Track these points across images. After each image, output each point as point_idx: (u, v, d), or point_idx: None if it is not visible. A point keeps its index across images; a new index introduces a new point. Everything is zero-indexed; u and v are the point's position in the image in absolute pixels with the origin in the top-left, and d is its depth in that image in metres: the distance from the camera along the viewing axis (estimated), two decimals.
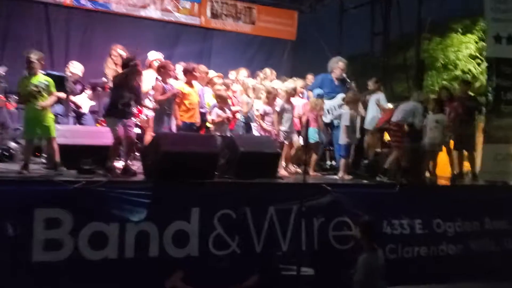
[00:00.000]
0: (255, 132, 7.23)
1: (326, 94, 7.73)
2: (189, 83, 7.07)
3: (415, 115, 7.20)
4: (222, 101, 6.96)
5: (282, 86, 7.52)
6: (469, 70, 15.35)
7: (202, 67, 7.76)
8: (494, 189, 7.48)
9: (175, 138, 5.98)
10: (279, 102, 7.25)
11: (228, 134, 6.85)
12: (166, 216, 5.31)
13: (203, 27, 11.06)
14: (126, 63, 5.88)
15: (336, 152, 7.93)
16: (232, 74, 8.38)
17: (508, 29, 7.29)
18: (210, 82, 7.80)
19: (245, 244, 5.64)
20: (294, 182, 6.50)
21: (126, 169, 5.83)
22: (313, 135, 7.43)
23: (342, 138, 7.41)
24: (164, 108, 6.55)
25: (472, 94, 8.65)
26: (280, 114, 7.17)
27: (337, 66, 8.09)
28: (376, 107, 8.12)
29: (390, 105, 8.41)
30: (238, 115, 7.45)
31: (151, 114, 6.91)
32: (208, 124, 7.36)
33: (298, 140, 7.48)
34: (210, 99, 7.56)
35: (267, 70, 8.58)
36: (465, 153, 8.27)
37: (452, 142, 8.04)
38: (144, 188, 5.31)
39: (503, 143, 7.36)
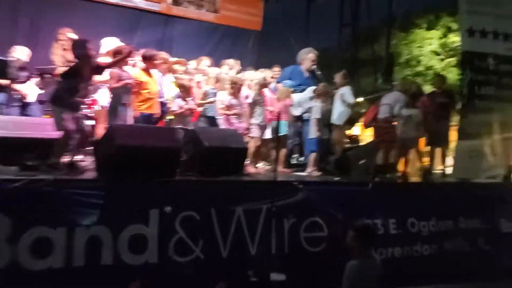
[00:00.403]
0: (220, 125, 6.72)
1: (296, 87, 7.29)
2: (148, 71, 6.45)
3: (399, 105, 6.86)
4: (184, 90, 6.38)
5: (253, 76, 6.99)
6: (432, 66, 15.40)
7: (163, 54, 7.14)
8: (467, 187, 7.26)
9: (131, 131, 5.36)
10: (250, 94, 6.74)
11: (191, 127, 6.28)
12: (121, 219, 4.72)
13: (164, 13, 10.39)
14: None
15: (306, 147, 7.50)
16: (191, 64, 7.77)
17: (482, 23, 7.05)
18: (171, 70, 7.18)
19: (210, 248, 5.12)
20: (264, 180, 6.02)
21: (73, 166, 5.18)
22: (282, 128, 6.97)
23: (312, 132, 7.00)
24: (119, 98, 5.90)
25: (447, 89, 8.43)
26: (252, 106, 6.67)
27: (307, 57, 7.68)
28: (342, 102, 7.76)
29: (359, 99, 8.06)
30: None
31: (105, 104, 6.25)
32: (168, 116, 6.77)
33: (264, 134, 6.99)
34: (171, 89, 6.95)
35: (232, 60, 8.06)
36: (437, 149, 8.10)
37: (423, 139, 7.78)
38: (96, 187, 4.70)
39: (477, 139, 7.12)
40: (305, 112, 7.40)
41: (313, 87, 7.36)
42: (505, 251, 7.32)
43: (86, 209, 4.58)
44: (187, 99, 6.42)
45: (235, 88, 6.73)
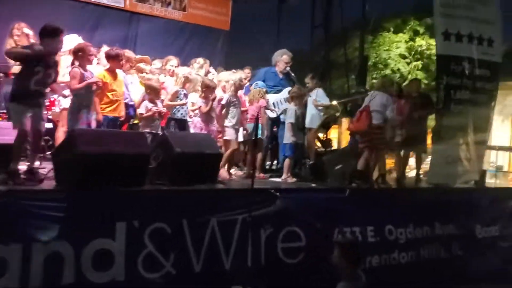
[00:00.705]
0: (192, 129, 6.34)
1: (270, 88, 6.99)
2: (112, 71, 5.99)
3: (390, 108, 6.62)
4: (152, 92, 5.96)
5: (228, 77, 6.63)
6: (399, 69, 15.45)
7: (129, 53, 6.69)
8: (442, 192, 7.15)
9: (95, 136, 4.90)
10: (225, 96, 6.39)
11: (160, 131, 5.87)
12: (84, 233, 4.27)
13: (128, 10, 9.90)
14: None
15: (280, 152, 7.21)
16: (155, 64, 7.33)
17: (457, 26, 6.93)
18: (137, 69, 6.73)
19: (182, 263, 4.75)
20: (240, 188, 5.68)
21: (31, 173, 4.70)
22: (258, 131, 6.66)
23: (286, 137, 6.72)
24: (82, 99, 5.43)
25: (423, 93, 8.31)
26: (226, 108, 6.32)
27: (281, 59, 7.40)
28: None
29: (334, 102, 7.84)
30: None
31: (65, 105, 5.76)
32: (135, 120, 6.34)
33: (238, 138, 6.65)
34: (137, 90, 6.51)
35: (201, 60, 7.67)
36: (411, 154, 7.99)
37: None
38: (56, 198, 4.23)
39: (453, 144, 7.00)
40: (280, 114, 7.10)
41: (289, 88, 7.08)
42: (479, 256, 7.28)
43: (44, 223, 4.12)
44: (156, 101, 5.99)
45: (208, 91, 6.36)
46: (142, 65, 6.74)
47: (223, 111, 6.34)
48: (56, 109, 6.12)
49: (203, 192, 5.14)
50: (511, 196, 7.91)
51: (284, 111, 6.94)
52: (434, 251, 6.78)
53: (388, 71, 15.01)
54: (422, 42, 14.88)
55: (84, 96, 5.46)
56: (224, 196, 5.25)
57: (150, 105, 5.90)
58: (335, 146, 11.22)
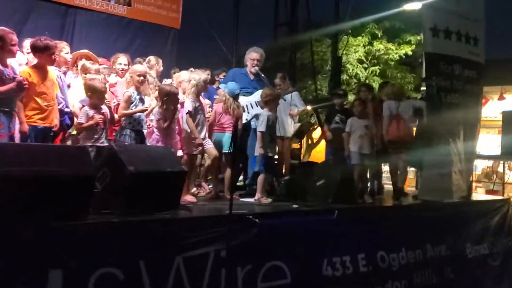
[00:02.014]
0: (148, 141, 5.14)
1: (241, 91, 5.93)
2: (41, 68, 4.69)
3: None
4: (95, 95, 4.69)
5: (190, 78, 5.46)
6: (357, 74, 14.85)
7: (62, 44, 5.40)
8: (432, 209, 6.34)
9: (19, 152, 3.61)
10: (187, 101, 5.24)
11: (107, 144, 4.63)
12: (6, 284, 3.11)
13: (62, 3, 8.54)
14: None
15: (250, 165, 6.15)
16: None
17: (446, 21, 6.18)
18: (82, 69, 5.42)
19: None
20: (210, 215, 4.55)
21: None
22: (227, 142, 5.57)
23: (257, 148, 5.66)
24: (1, 104, 4.11)
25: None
26: (193, 115, 5.18)
27: (248, 57, 6.35)
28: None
29: (308, 107, 6.89)
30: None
31: None
32: (73, 131, 5.09)
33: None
34: (77, 92, 5.24)
35: (152, 58, 6.49)
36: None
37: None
38: None
39: (446, 154, 6.21)
40: (251, 119, 6.03)
41: (261, 91, 6.04)
42: (470, 278, 6.57)
43: None
44: (101, 106, 4.74)
45: (169, 101, 5.19)
46: (87, 63, 5.43)
47: (187, 120, 5.19)
48: None
49: (165, 222, 3.98)
50: (496, 209, 7.27)
51: (256, 117, 5.89)
52: (427, 276, 5.97)
53: (345, 76, 14.33)
54: (380, 46, 14.37)
55: (4, 101, 4.15)
56: (191, 226, 4.09)
57: (91, 112, 4.64)
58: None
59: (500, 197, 8.21)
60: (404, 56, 14.79)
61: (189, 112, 5.16)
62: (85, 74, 5.21)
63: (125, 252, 3.64)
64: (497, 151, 12.33)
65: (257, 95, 6.07)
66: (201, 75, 5.37)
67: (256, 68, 6.31)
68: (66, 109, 5.13)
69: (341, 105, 6.72)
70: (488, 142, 13.07)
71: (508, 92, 15.35)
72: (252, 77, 6.33)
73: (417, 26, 14.40)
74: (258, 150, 5.63)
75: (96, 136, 4.58)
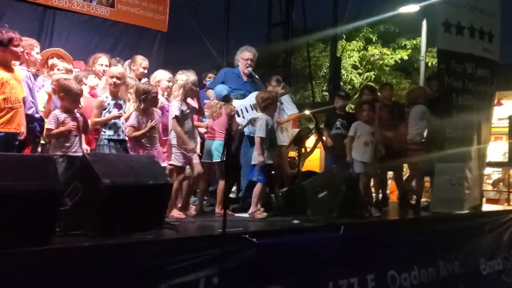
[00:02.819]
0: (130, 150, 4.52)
1: (231, 91, 5.34)
2: (4, 65, 4.07)
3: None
4: (70, 97, 4.06)
5: (177, 78, 4.86)
6: (351, 80, 14.37)
7: (34, 43, 4.79)
8: (444, 222, 5.79)
9: None
10: (174, 105, 4.63)
11: (79, 154, 4.00)
12: None
13: (40, 4, 7.94)
14: None
15: (243, 176, 5.56)
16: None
17: (457, 15, 5.66)
18: (51, 68, 4.80)
19: None
20: (201, 235, 3.93)
21: None
22: (217, 151, 4.98)
23: (255, 156, 5.07)
24: None
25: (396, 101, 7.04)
26: (180, 120, 4.58)
27: (240, 57, 5.78)
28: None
29: (306, 112, 6.33)
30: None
31: None
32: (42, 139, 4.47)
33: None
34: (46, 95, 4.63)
35: (138, 58, 5.89)
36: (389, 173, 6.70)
37: None
38: None
39: (459, 161, 5.67)
40: (246, 125, 5.45)
41: (256, 93, 5.46)
42: None
43: None
44: (75, 110, 4.11)
45: (148, 102, 4.62)
46: (56, 60, 4.81)
47: (175, 126, 4.60)
48: None
49: (147, 244, 3.37)
50: (509, 221, 6.74)
51: (251, 122, 5.31)
52: None
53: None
54: (375, 51, 13.91)
55: None
56: (178, 249, 3.49)
57: (62, 116, 4.01)
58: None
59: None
60: (399, 61, 14.34)
61: (176, 117, 4.57)
62: (52, 71, 4.60)
63: (99, 282, 3.04)
64: (499, 159, 11.88)
65: (251, 98, 5.49)
66: (190, 76, 4.78)
67: (250, 69, 5.74)
68: (36, 115, 4.50)
69: (342, 109, 6.17)
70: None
71: (505, 98, 14.93)
72: (245, 78, 5.76)
73: (413, 30, 14.00)
74: (256, 158, 5.04)
75: (67, 145, 3.94)
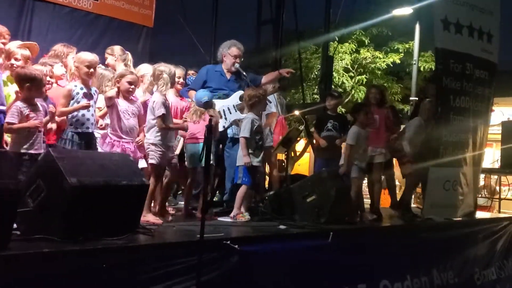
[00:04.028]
0: (101, 147, 4.18)
1: (213, 91, 5.03)
2: None
3: None
4: (33, 86, 3.68)
5: (156, 70, 4.53)
6: (343, 83, 14.10)
7: (4, 31, 4.41)
8: (438, 228, 5.54)
9: None
10: (158, 102, 4.31)
11: (42, 150, 3.63)
12: None
13: None
14: None
15: (227, 178, 5.24)
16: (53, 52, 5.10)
17: (456, 12, 5.41)
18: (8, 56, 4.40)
19: None
20: (178, 241, 3.60)
21: None
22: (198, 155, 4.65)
23: (239, 157, 4.76)
24: None
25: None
26: (162, 118, 4.27)
27: (228, 52, 5.45)
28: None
29: (296, 112, 6.03)
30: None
31: None
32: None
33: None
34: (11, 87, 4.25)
35: (117, 48, 5.54)
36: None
37: None
38: None
39: (453, 166, 5.41)
40: (229, 127, 5.13)
41: (240, 93, 5.14)
42: None
43: None
44: (38, 102, 3.74)
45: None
46: (12, 46, 4.38)
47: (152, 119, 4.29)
48: None
49: (117, 251, 3.04)
50: (502, 228, 6.51)
51: (235, 122, 5.00)
52: None
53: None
54: (367, 54, 13.65)
55: None
56: (152, 256, 3.16)
57: (26, 109, 3.64)
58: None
59: (506, 215, 7.44)
60: (391, 65, 14.11)
61: (162, 116, 4.27)
62: (9, 61, 4.21)
63: None
64: (488, 166, 11.68)
65: (235, 98, 5.16)
66: (170, 68, 4.46)
67: (237, 65, 5.40)
68: (1, 107, 4.14)
69: (334, 109, 5.89)
70: None
71: (496, 104, 14.78)
72: (228, 76, 5.41)
73: (406, 33, 13.79)
74: (242, 159, 4.73)
75: (31, 141, 3.57)
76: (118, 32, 8.55)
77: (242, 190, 4.70)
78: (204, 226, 3.13)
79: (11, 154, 2.95)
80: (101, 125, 4.48)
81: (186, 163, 4.92)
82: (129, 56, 5.53)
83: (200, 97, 4.78)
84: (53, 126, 4.09)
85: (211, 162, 4.26)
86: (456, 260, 5.54)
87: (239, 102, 5.05)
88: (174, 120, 4.66)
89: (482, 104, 5.80)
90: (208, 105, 4.77)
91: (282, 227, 4.40)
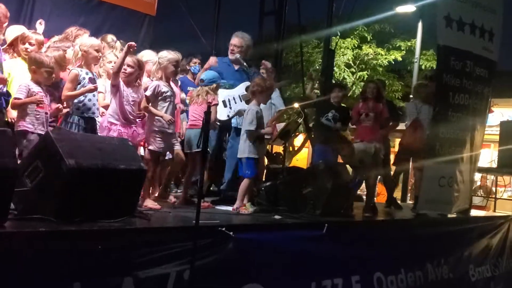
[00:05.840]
0: (100, 131, 4.20)
1: (221, 82, 5.04)
2: None
3: None
4: (42, 70, 3.71)
5: (162, 56, 4.55)
6: (344, 78, 14.11)
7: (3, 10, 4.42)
8: (433, 224, 5.58)
9: None
10: (151, 85, 4.33)
11: (42, 131, 3.66)
12: None
13: None
14: None
15: (227, 169, 5.26)
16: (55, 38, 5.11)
17: (459, 10, 5.41)
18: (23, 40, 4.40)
19: None
20: (173, 226, 3.64)
21: None
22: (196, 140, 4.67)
23: (242, 149, 4.76)
24: None
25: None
26: (158, 101, 4.29)
27: (230, 43, 5.46)
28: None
29: (295, 105, 6.04)
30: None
31: None
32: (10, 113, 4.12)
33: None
34: (15, 67, 4.27)
35: (111, 36, 5.54)
36: None
37: None
38: None
39: (450, 163, 5.43)
40: (233, 116, 5.15)
41: (247, 83, 5.15)
42: None
43: None
44: (40, 81, 3.76)
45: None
46: (27, 31, 4.42)
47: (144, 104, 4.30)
48: None
49: (112, 233, 3.07)
50: (498, 227, 6.55)
51: (239, 113, 5.02)
52: None
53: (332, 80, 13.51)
54: (369, 50, 13.66)
55: None
56: (147, 240, 3.19)
57: (35, 87, 3.66)
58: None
59: (502, 214, 7.48)
60: (393, 62, 14.12)
61: (146, 97, 4.27)
62: (24, 45, 4.25)
63: (60, 271, 2.73)
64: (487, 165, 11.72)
65: (241, 88, 5.18)
66: (171, 55, 4.48)
67: (237, 55, 5.41)
68: (2, 89, 4.15)
69: (339, 101, 5.89)
70: None
71: (496, 105, 14.79)
72: (236, 67, 5.43)
73: (408, 31, 13.79)
74: (244, 151, 4.74)
75: (38, 122, 3.59)
76: (120, 20, 8.50)
77: (245, 183, 4.70)
78: (199, 212, 3.14)
79: (11, 133, 2.96)
80: (103, 113, 4.50)
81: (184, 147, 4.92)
82: (118, 44, 5.49)
83: (210, 76, 4.79)
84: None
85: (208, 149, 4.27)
86: (451, 256, 5.59)
87: (245, 92, 5.06)
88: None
89: (480, 102, 5.82)
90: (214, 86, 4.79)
91: (277, 217, 4.42)
